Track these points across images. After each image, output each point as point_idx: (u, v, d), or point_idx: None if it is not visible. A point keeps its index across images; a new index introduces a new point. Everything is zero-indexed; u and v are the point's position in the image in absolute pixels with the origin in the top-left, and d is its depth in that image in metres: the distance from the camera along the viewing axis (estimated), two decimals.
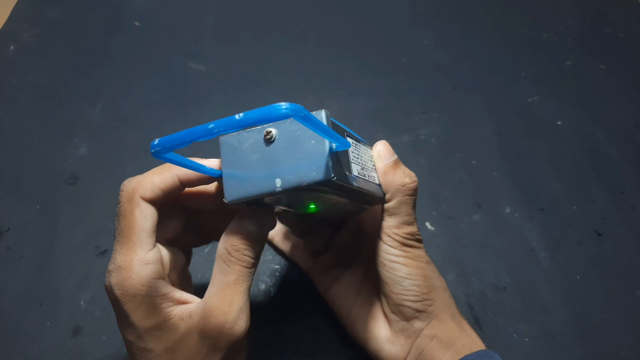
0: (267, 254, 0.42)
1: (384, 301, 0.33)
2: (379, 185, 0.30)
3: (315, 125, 0.21)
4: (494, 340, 0.38)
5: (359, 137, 0.29)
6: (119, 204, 0.26)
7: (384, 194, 0.30)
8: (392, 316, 0.32)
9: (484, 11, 0.69)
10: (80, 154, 0.49)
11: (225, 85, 0.57)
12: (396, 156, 0.30)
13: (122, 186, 0.27)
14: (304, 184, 0.23)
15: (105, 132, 0.51)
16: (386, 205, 0.30)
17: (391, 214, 0.30)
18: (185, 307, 0.27)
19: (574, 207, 0.47)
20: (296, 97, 0.56)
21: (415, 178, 0.30)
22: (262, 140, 0.25)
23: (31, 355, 0.36)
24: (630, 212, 0.47)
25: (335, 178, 0.23)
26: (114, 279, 0.25)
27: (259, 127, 0.25)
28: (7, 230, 0.43)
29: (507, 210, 0.47)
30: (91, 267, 0.41)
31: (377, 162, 0.30)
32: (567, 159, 0.51)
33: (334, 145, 0.23)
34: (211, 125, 0.19)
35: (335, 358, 0.37)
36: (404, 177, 0.30)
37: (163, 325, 0.25)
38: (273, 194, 0.24)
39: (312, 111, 0.23)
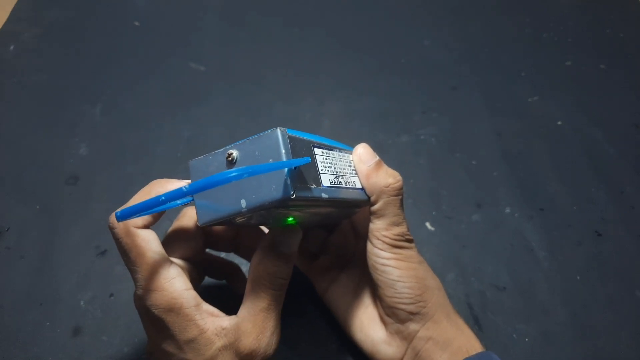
0: None
1: (378, 303, 0.33)
2: (361, 189, 0.29)
3: (265, 169, 0.22)
4: (493, 340, 0.38)
5: (333, 144, 0.29)
6: (116, 241, 0.27)
7: (369, 197, 0.30)
8: (387, 318, 0.32)
9: (484, 11, 0.69)
10: (81, 154, 0.49)
11: (225, 85, 0.57)
12: (378, 157, 0.30)
13: (110, 224, 0.27)
14: (266, 203, 0.24)
15: (106, 132, 0.51)
16: (372, 208, 0.30)
17: (378, 216, 0.30)
18: (217, 322, 0.27)
19: (574, 207, 0.47)
20: (296, 97, 0.56)
21: (399, 177, 0.30)
22: (225, 162, 0.25)
23: (31, 355, 0.36)
24: (630, 212, 0.47)
25: (294, 195, 0.23)
26: (148, 301, 0.26)
27: (221, 150, 0.26)
28: (7, 230, 0.43)
29: (507, 210, 0.47)
30: (91, 267, 0.41)
31: (358, 166, 0.30)
32: (567, 159, 0.51)
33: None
34: (162, 198, 0.22)
35: (335, 358, 0.37)
36: (387, 177, 0.29)
37: (200, 338, 0.26)
38: (240, 214, 0.25)
39: (269, 130, 0.24)
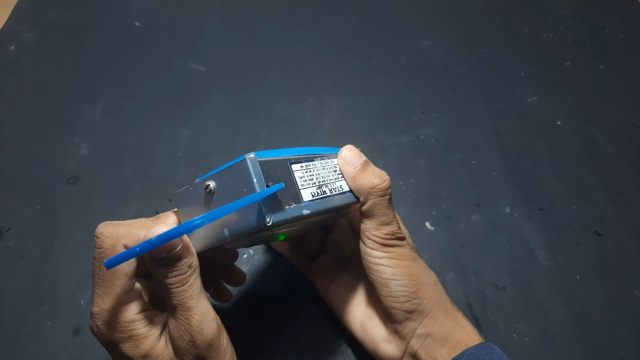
0: (267, 255, 0.42)
1: (376, 303, 0.33)
2: (349, 191, 0.30)
3: (227, 210, 0.23)
4: (493, 339, 0.38)
5: (315, 152, 0.29)
6: (99, 249, 0.26)
7: (358, 198, 0.30)
8: (385, 318, 0.32)
9: (484, 11, 0.69)
10: (81, 154, 0.49)
11: (225, 86, 0.57)
12: (364, 158, 0.30)
13: (101, 231, 0.26)
14: (247, 231, 0.24)
15: (106, 132, 0.51)
16: (362, 209, 0.30)
17: (368, 217, 0.30)
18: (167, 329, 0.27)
19: (573, 207, 0.47)
20: (296, 98, 0.56)
21: (386, 177, 0.30)
22: (204, 193, 0.26)
23: (31, 355, 0.36)
24: (630, 212, 0.47)
25: (270, 222, 0.24)
26: (100, 321, 0.26)
27: (199, 181, 0.26)
28: (8, 230, 0.43)
29: (507, 210, 0.47)
30: (91, 267, 0.41)
31: (343, 169, 0.30)
32: (567, 159, 0.51)
33: (267, 186, 0.24)
34: (137, 249, 0.23)
35: (335, 358, 0.37)
36: (373, 178, 0.29)
37: (153, 351, 0.26)
38: (226, 242, 0.25)
39: (239, 159, 0.24)
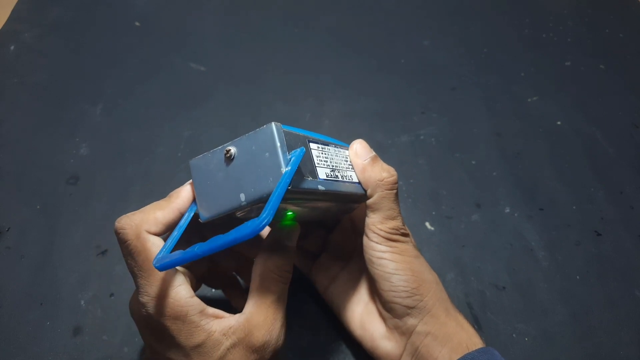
0: None
1: (377, 298, 0.33)
2: (358, 183, 0.30)
3: (277, 193, 0.23)
4: (493, 339, 0.38)
5: (328, 140, 0.30)
6: (125, 243, 0.26)
7: (366, 191, 0.30)
8: (385, 313, 0.32)
9: (484, 12, 0.69)
10: (81, 154, 0.49)
11: (225, 86, 0.57)
12: (374, 153, 0.31)
13: (120, 225, 0.27)
14: (265, 195, 0.24)
15: (106, 132, 0.51)
16: (368, 202, 0.31)
17: (373, 210, 0.30)
18: (223, 323, 0.27)
19: (573, 207, 0.47)
20: (296, 98, 0.56)
21: (393, 172, 0.31)
22: (224, 159, 0.26)
23: (31, 355, 0.36)
24: (630, 212, 0.47)
25: (291, 186, 0.24)
26: (152, 309, 0.26)
27: (220, 147, 0.26)
28: (8, 230, 0.43)
29: (507, 210, 0.47)
30: (91, 267, 0.41)
31: (354, 160, 0.31)
32: (567, 159, 0.51)
33: (288, 156, 0.25)
34: (198, 251, 0.23)
35: (335, 358, 0.37)
36: (382, 171, 0.30)
37: (207, 342, 0.26)
38: (240, 208, 0.25)
39: (264, 125, 0.25)
